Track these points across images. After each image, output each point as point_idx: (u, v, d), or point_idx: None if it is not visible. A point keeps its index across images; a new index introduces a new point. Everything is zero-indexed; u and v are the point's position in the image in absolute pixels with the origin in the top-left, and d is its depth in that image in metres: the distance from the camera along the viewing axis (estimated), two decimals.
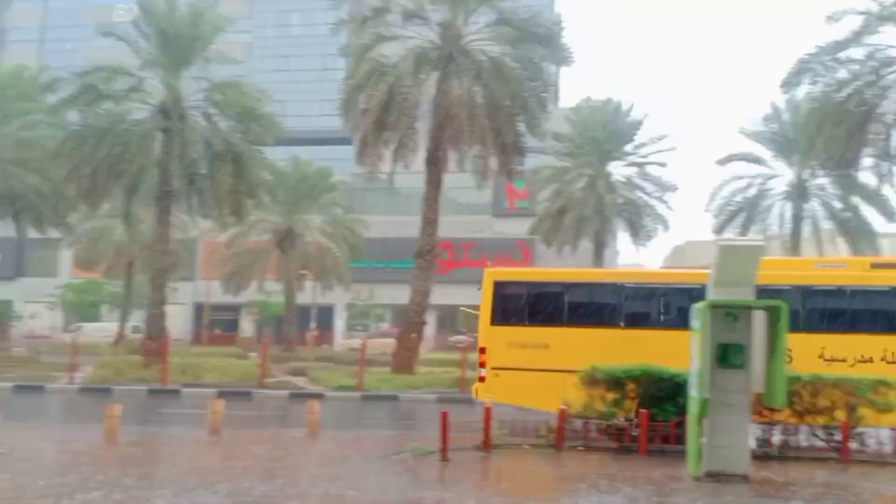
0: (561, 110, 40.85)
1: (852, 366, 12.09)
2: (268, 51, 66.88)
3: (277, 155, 32.86)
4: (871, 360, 12.13)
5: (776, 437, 10.74)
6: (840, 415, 10.76)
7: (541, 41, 22.46)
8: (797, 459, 10.43)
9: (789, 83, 22.48)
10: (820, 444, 10.83)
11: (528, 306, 13.82)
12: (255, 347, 27.79)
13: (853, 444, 10.47)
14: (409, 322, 22.71)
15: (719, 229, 32.88)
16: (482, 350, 13.52)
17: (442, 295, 43.35)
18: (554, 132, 32.50)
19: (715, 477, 9.02)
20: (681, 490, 8.65)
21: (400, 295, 26.78)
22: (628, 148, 33.61)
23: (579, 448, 10.92)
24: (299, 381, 22.30)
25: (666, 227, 32.86)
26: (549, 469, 9.74)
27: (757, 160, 33.28)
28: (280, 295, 38.35)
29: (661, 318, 13.45)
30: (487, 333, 13.51)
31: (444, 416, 9.98)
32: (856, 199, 30.38)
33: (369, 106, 21.88)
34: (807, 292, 12.59)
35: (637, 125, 33.12)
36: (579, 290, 14.05)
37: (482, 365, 13.44)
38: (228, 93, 24.90)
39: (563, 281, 14.35)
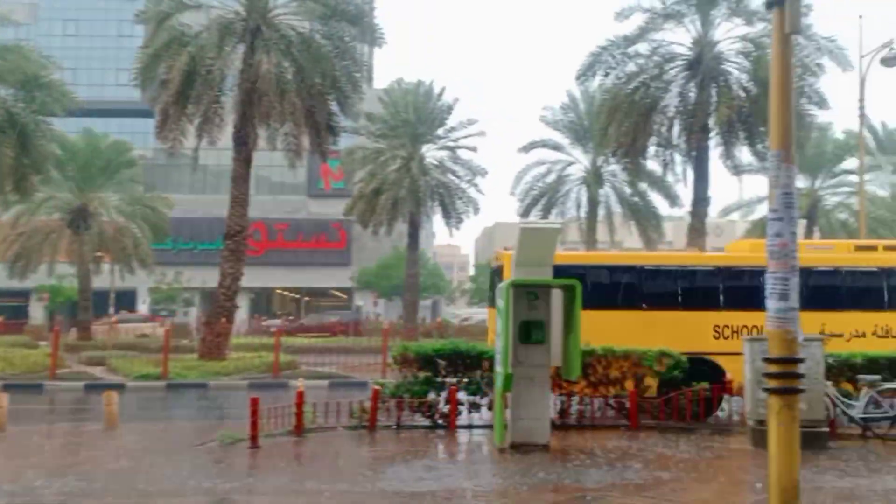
0: (375, 91, 40.89)
1: (848, 340, 12.94)
2: (56, 13, 61.08)
3: (69, 127, 30.21)
4: (864, 335, 13.10)
5: (574, 408, 11.49)
6: (629, 385, 11.74)
7: (351, 20, 22.27)
8: (593, 428, 11.22)
9: (584, 74, 23.82)
10: (612, 413, 11.75)
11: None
12: (47, 336, 25.47)
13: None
14: (218, 306, 21.83)
15: (524, 212, 34.51)
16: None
17: (255, 277, 42.00)
18: (368, 113, 32.47)
19: (518, 448, 9.51)
20: (485, 461, 9.04)
21: (210, 278, 25.68)
22: (440, 131, 34.31)
23: (393, 428, 11.08)
24: (97, 371, 20.76)
25: (476, 210, 33.99)
26: (359, 450, 9.78)
27: (556, 147, 35.22)
28: (74, 279, 35.39)
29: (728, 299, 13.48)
30: None
31: (255, 402, 9.72)
32: (644, 186, 33.03)
33: (169, 77, 20.61)
34: (808, 273, 12.51)
35: (448, 109, 33.87)
36: (605, 271, 13.91)
37: None
38: (9, 58, 22.51)
39: (589, 264, 14.21)
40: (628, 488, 7.57)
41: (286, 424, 10.64)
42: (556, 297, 10.09)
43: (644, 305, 13.43)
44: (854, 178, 30.06)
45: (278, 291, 57.64)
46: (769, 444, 4.85)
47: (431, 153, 34.63)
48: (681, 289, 13.66)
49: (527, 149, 35.12)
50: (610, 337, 12.05)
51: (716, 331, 13.19)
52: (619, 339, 12.11)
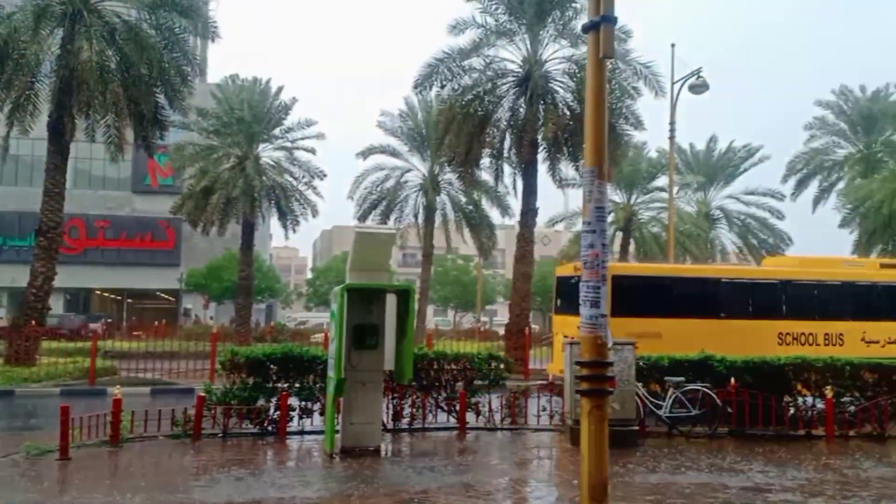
0: (208, 86, 39.35)
1: (883, 346, 14.44)
2: None
3: None
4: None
5: (406, 412, 11.67)
6: (460, 387, 12.10)
7: (182, 11, 21.41)
8: (425, 431, 11.47)
9: (421, 84, 24.25)
10: (443, 415, 12.04)
11: (642, 300, 14.51)
12: None
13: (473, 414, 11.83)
14: (28, 307, 20.15)
15: (362, 217, 34.55)
16: None
17: (71, 277, 38.99)
18: (199, 108, 31.21)
19: (349, 453, 9.53)
20: (315, 468, 8.98)
21: (21, 277, 23.66)
22: (277, 131, 33.54)
23: (219, 436, 10.73)
24: None
25: (315, 213, 33.50)
26: (181, 459, 9.39)
27: (395, 154, 35.58)
28: None
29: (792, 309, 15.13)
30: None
31: (65, 410, 9.07)
32: (478, 195, 34.10)
33: None
34: (851, 286, 15.17)
35: (286, 108, 33.16)
36: (693, 284, 15.36)
37: None
38: None
39: (679, 276, 15.55)
40: (455, 489, 7.81)
41: (101, 434, 10.01)
42: (391, 302, 10.22)
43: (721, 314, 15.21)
44: (665, 194, 32.67)
45: (98, 292, 53.94)
46: (581, 444, 5.20)
47: (268, 153, 33.77)
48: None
49: (365, 154, 35.24)
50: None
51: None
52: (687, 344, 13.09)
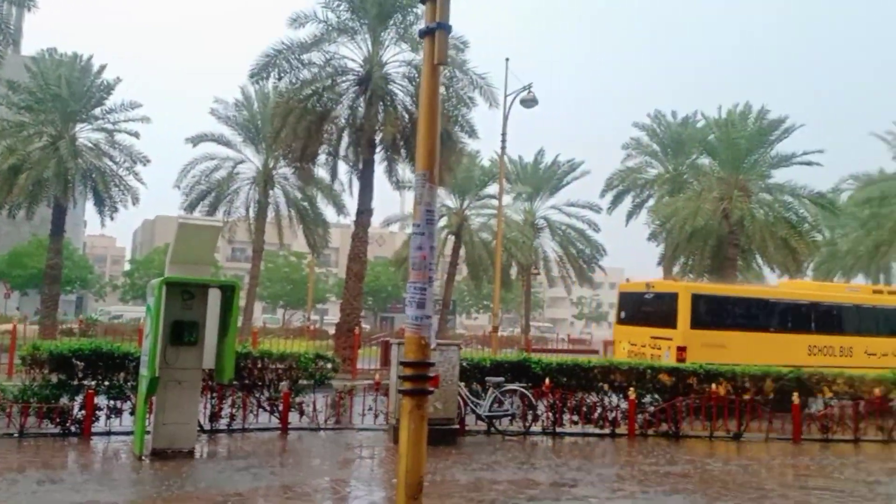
0: (22, 58, 36.09)
1: (879, 357, 17.94)
2: None
3: None
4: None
5: (226, 412, 11.28)
6: (284, 387, 11.85)
7: None
8: (245, 431, 11.12)
9: (258, 74, 23.56)
10: (265, 416, 11.75)
11: (712, 314, 17.13)
12: None
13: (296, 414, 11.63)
14: None
15: (189, 207, 32.99)
16: (682, 348, 16.15)
17: None
18: (10, 81, 28.55)
19: (160, 455, 9.06)
20: (121, 470, 8.48)
21: None
22: (97, 111, 31.26)
23: (14, 436, 9.84)
24: None
25: (135, 200, 31.47)
26: None
27: (227, 144, 34.28)
28: None
29: (817, 324, 18.17)
30: (686, 335, 16.37)
31: None
32: (313, 192, 33.65)
33: None
34: (857, 308, 18.93)
35: (108, 88, 30.94)
36: (748, 302, 18.10)
37: (682, 359, 15.60)
38: None
39: (737, 295, 18.43)
40: (273, 490, 7.66)
41: None
42: (214, 297, 9.84)
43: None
44: (496, 202, 33.87)
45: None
46: (400, 443, 5.28)
47: (86, 134, 31.38)
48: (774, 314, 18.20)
49: (195, 141, 33.67)
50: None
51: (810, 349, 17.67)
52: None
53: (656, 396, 12.84)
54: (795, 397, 12.58)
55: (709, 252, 32.37)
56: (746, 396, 12.69)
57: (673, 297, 16.99)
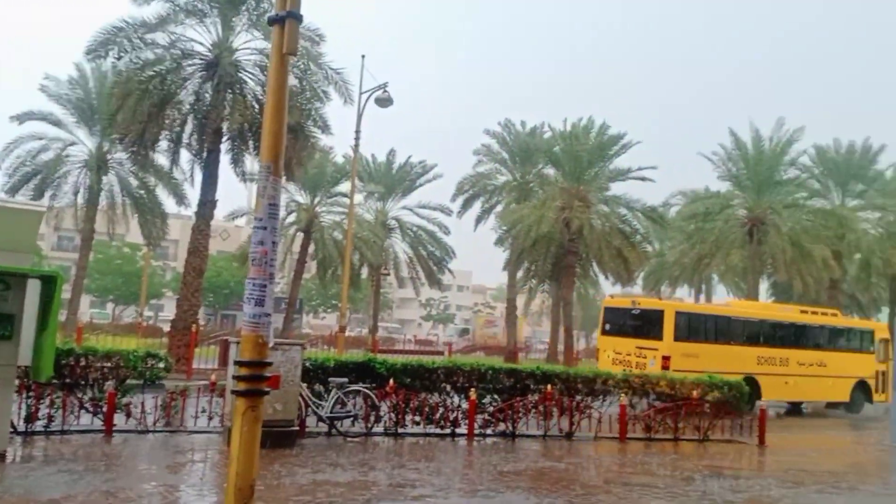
0: None
1: (807, 367, 21.37)
2: None
3: None
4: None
5: (43, 413, 10.38)
6: (110, 387, 11.07)
7: None
8: (64, 434, 10.29)
9: (95, 51, 22.02)
10: (89, 418, 10.93)
11: (690, 329, 19.81)
12: None
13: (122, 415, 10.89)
14: None
15: (11, 190, 30.33)
16: (667, 358, 18.66)
17: None
18: None
19: None
20: None
21: None
22: None
23: None
24: None
25: None
26: None
27: (57, 123, 31.82)
28: None
29: (764, 339, 21.05)
30: (671, 347, 19.02)
31: None
32: (152, 180, 31.87)
33: None
34: (795, 326, 21.89)
35: None
36: (715, 319, 20.91)
37: (666, 367, 18.06)
38: None
39: (708, 313, 21.56)
40: (93, 497, 7.12)
41: None
42: (34, 288, 9.02)
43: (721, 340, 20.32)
44: (347, 200, 33.57)
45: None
46: (231, 445, 5.04)
47: None
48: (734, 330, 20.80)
49: (21, 118, 30.95)
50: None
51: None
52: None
53: (496, 397, 13.15)
54: (623, 398, 13.33)
55: (550, 258, 33.81)
56: (578, 397, 13.30)
57: (659, 314, 19.66)
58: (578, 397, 13.32)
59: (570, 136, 35.23)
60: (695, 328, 20.16)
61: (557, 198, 33.48)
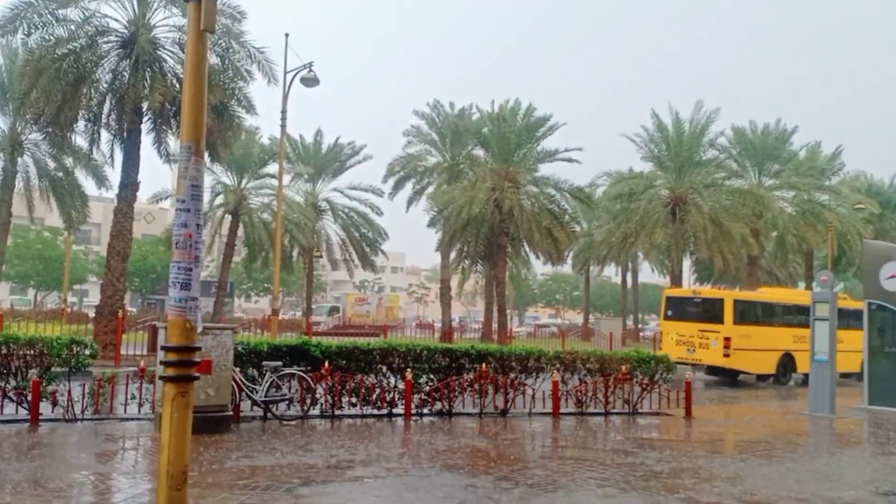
0: None
1: None
2: None
3: None
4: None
5: None
6: (34, 375, 10.69)
7: None
8: None
9: (4, 27, 21.01)
10: (13, 407, 10.56)
11: (744, 314, 23.04)
12: None
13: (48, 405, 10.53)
14: None
15: None
16: (728, 338, 22.14)
17: None
18: None
19: None
20: None
21: None
22: None
23: None
24: None
25: None
26: None
27: None
28: None
29: (797, 320, 22.86)
30: (731, 329, 22.23)
31: None
32: (70, 161, 30.66)
33: None
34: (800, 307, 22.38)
35: None
36: (762, 305, 24.26)
37: (727, 347, 22.03)
38: None
39: (756, 300, 24.69)
40: (20, 487, 6.88)
41: None
42: None
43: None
44: (276, 182, 33.04)
45: None
46: (162, 432, 4.96)
47: None
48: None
49: None
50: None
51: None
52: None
53: (432, 377, 13.25)
54: (555, 374, 13.62)
55: (482, 239, 34.10)
56: (512, 375, 13.52)
57: (720, 301, 23.04)
58: (513, 375, 13.52)
59: (498, 118, 35.47)
60: (747, 313, 23.27)
61: (488, 179, 33.72)
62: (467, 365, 13.48)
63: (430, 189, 40.11)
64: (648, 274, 63.31)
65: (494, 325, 35.02)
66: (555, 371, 13.74)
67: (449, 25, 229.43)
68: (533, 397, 13.36)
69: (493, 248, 34.49)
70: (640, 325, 59.98)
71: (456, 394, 12.90)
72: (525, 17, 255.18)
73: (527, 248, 36.53)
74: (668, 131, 37.08)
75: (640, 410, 14.08)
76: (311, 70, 24.19)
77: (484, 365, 13.30)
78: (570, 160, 35.09)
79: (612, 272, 64.61)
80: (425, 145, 41.24)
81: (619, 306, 62.29)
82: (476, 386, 13.03)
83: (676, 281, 37.47)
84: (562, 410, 13.42)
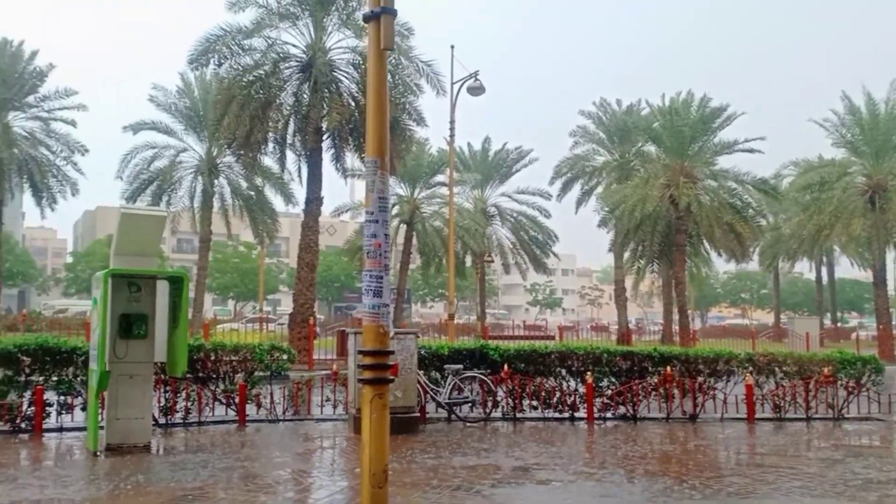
0: None
1: None
2: None
3: None
4: None
5: (181, 406, 10.97)
6: (240, 379, 11.59)
7: None
8: (201, 425, 10.87)
9: (197, 60, 23.00)
10: (222, 409, 11.46)
11: None
12: None
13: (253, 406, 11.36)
14: None
15: (131, 197, 32.16)
16: None
17: None
18: None
19: (116, 450, 8.78)
20: (77, 467, 8.15)
21: None
22: (31, 99, 30.17)
23: None
24: None
25: (75, 191, 30.59)
26: None
27: (168, 132, 33.46)
28: None
29: None
30: None
31: None
32: (260, 181, 33.04)
33: None
34: None
35: (41, 74, 29.95)
36: None
37: None
38: None
39: None
40: (234, 483, 7.46)
41: None
42: (162, 289, 9.53)
43: None
44: (446, 190, 33.79)
45: None
46: (362, 432, 5.16)
47: (20, 123, 30.31)
48: None
49: (135, 129, 32.75)
50: None
51: None
52: None
53: (613, 380, 12.93)
54: (749, 378, 12.82)
55: (658, 238, 32.88)
56: (701, 378, 12.88)
57: None
58: (700, 378, 12.89)
59: (670, 111, 34.08)
60: None
61: (661, 175, 32.51)
62: (650, 368, 13.03)
63: (599, 189, 39.33)
64: (847, 268, 58.21)
65: (675, 327, 33.66)
66: (748, 374, 12.93)
67: (610, 21, 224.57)
68: (724, 401, 12.65)
69: (669, 247, 33.18)
70: (838, 324, 55.32)
71: (640, 398, 12.50)
72: (689, 10, 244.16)
73: (707, 246, 34.81)
74: (861, 114, 33.99)
75: (846, 416, 12.92)
76: (476, 79, 24.55)
77: (669, 368, 12.79)
78: (751, 151, 33.06)
79: (804, 268, 60.11)
80: (592, 145, 40.54)
81: (815, 304, 57.70)
82: (661, 390, 12.55)
83: (879, 275, 34.18)
84: (757, 416, 12.61)
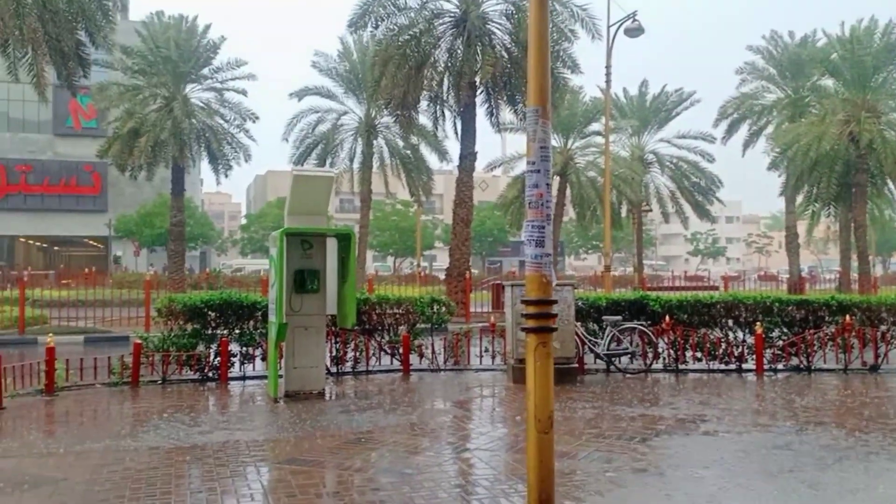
0: (132, 23, 37.59)
1: None
2: None
3: None
4: None
5: (350, 356, 11.67)
6: (403, 331, 12.12)
7: None
8: (368, 374, 11.53)
9: (355, 24, 23.64)
10: (387, 359, 12.06)
11: None
12: None
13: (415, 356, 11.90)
14: None
15: (298, 161, 33.86)
16: None
17: None
18: (123, 46, 29.78)
19: (293, 396, 9.51)
20: (260, 412, 8.92)
21: None
22: (206, 71, 32.30)
23: (159, 383, 10.56)
24: None
25: (247, 157, 32.63)
26: (121, 406, 9.18)
27: (330, 96, 34.73)
28: None
29: None
30: None
31: None
32: (415, 139, 33.74)
33: None
34: None
35: (214, 47, 31.90)
36: None
37: None
38: None
39: None
40: (400, 427, 7.88)
41: (36, 384, 9.74)
42: (332, 246, 10.09)
43: None
44: (601, 139, 32.96)
45: (22, 240, 51.94)
46: (527, 380, 5.24)
47: (197, 94, 32.59)
48: None
49: (300, 95, 34.30)
50: None
51: None
52: None
53: (785, 331, 12.31)
54: None
55: (835, 179, 30.43)
56: (884, 327, 11.99)
57: None
58: (884, 327, 11.98)
59: (850, 41, 31.09)
60: None
61: (839, 111, 29.93)
62: (826, 318, 12.27)
63: (769, 129, 36.84)
64: None
65: (854, 274, 31.28)
66: None
67: None
68: None
69: (848, 188, 30.66)
70: None
71: (815, 348, 11.83)
72: None
73: (891, 186, 31.86)
74: None
75: None
76: (635, 20, 23.60)
77: (848, 317, 11.98)
78: None
79: None
80: (762, 82, 37.88)
81: None
82: (839, 340, 11.80)
83: None
84: None
